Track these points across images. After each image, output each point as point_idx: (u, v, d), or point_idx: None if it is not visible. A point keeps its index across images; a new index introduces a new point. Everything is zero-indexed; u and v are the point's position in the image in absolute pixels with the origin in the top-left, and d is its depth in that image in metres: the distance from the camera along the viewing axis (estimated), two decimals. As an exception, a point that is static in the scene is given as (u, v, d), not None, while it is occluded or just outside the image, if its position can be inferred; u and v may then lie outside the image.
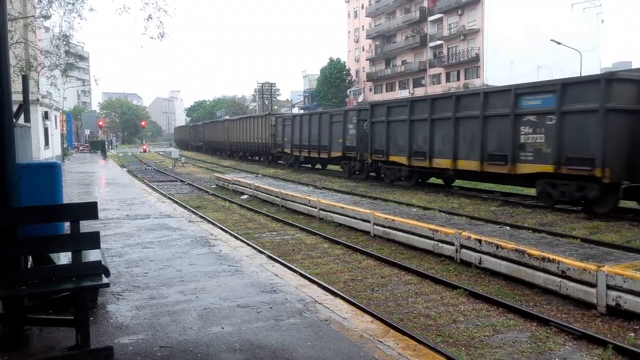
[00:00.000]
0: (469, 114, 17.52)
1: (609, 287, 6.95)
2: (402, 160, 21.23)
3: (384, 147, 22.14)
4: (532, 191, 17.01)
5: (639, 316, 6.63)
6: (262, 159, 42.22)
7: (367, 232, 12.77)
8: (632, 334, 6.38)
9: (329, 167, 32.04)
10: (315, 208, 15.38)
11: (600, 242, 10.33)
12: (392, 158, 21.83)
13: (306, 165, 33.95)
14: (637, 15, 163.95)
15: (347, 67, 78.70)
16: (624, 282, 6.76)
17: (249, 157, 45.84)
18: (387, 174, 22.71)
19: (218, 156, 54.57)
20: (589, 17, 57.20)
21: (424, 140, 19.77)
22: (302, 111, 64.05)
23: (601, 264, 7.28)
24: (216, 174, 28.38)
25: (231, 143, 48.90)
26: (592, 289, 7.17)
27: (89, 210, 4.56)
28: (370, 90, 75.18)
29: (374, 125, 23.04)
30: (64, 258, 5.33)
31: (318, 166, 33.44)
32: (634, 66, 55.76)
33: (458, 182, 21.69)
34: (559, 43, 41.19)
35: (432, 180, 22.13)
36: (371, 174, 25.18)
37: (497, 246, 8.92)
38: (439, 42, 61.67)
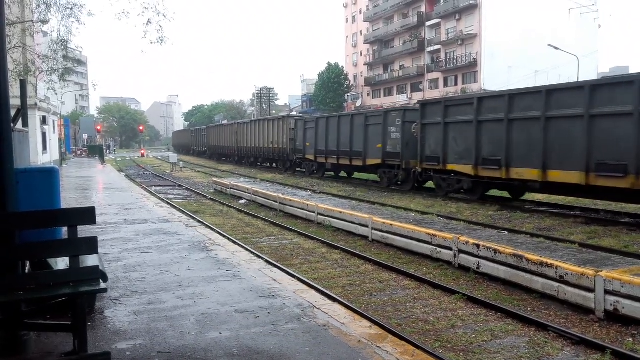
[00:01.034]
0: (567, 112, 14.27)
1: (607, 292, 6.95)
2: (465, 169, 17.95)
3: (438, 154, 19.01)
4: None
5: (637, 321, 6.63)
6: (277, 166, 38.32)
7: (365, 237, 12.76)
8: (630, 339, 6.37)
9: (361, 175, 28.42)
10: (314, 213, 15.37)
11: (598, 247, 10.34)
12: (451, 167, 18.61)
13: (330, 173, 30.31)
14: (634, 20, 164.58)
15: (345, 72, 78.80)
16: (622, 287, 6.76)
17: (260, 164, 41.99)
18: (442, 185, 19.56)
19: (224, 162, 51.52)
20: (586, 22, 57.41)
21: (497, 145, 16.55)
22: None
23: (599, 269, 7.28)
24: (214, 179, 28.38)
25: (241, 148, 44.86)
26: (590, 294, 7.17)
27: (87, 215, 4.55)
28: (369, 95, 75.29)
29: (426, 128, 19.86)
30: (61, 263, 5.32)
31: (347, 174, 29.81)
32: (631, 71, 55.99)
33: (530, 196, 18.76)
34: (556, 48, 41.32)
35: (493, 192, 18.74)
36: (417, 184, 22.14)
37: (496, 251, 8.92)
38: (436, 47, 61.82)
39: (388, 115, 22.97)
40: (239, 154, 46.18)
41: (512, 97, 16.18)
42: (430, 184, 21.49)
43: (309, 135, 30.22)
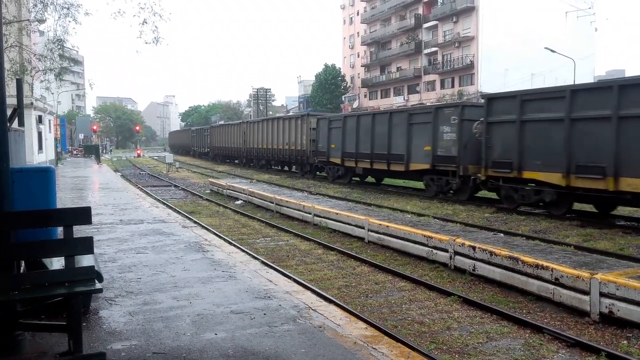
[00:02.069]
0: None
1: (602, 294, 6.97)
2: (551, 178, 14.77)
3: (511, 159, 15.95)
4: None
5: (632, 324, 6.64)
6: (292, 170, 35.28)
7: (361, 239, 12.76)
8: (625, 342, 6.39)
9: (394, 181, 25.77)
10: (310, 214, 15.37)
11: (594, 250, 10.38)
12: (529, 175, 15.58)
13: (356, 178, 27.18)
14: (630, 23, 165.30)
15: (342, 73, 78.88)
16: (617, 289, 6.78)
17: (271, 167, 38.83)
18: (514, 196, 16.26)
19: (229, 164, 48.13)
20: (583, 25, 57.63)
21: (599, 149, 13.50)
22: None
23: (594, 272, 7.30)
24: (210, 179, 28.34)
25: (249, 150, 41.44)
26: (585, 296, 7.19)
27: (83, 215, 4.54)
28: (365, 96, 75.37)
29: (493, 128, 16.77)
30: (56, 263, 5.30)
31: (388, 181, 26.28)
32: (627, 74, 56.21)
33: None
34: (552, 51, 41.47)
35: (578, 206, 16.16)
36: (474, 194, 19.00)
37: (491, 253, 8.93)
38: (433, 49, 61.93)
39: (440, 113, 19.48)
40: (247, 156, 42.86)
41: (624, 88, 13.12)
42: (485, 193, 18.85)
43: (334, 136, 26.75)
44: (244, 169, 40.35)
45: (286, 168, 37.24)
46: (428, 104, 43.71)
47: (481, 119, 17.28)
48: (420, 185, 22.53)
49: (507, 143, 16.27)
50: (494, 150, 16.78)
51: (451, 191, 19.48)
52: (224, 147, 49.47)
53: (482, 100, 17.62)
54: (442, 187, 19.69)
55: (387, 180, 26.30)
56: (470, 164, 18.05)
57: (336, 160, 26.75)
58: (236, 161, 47.90)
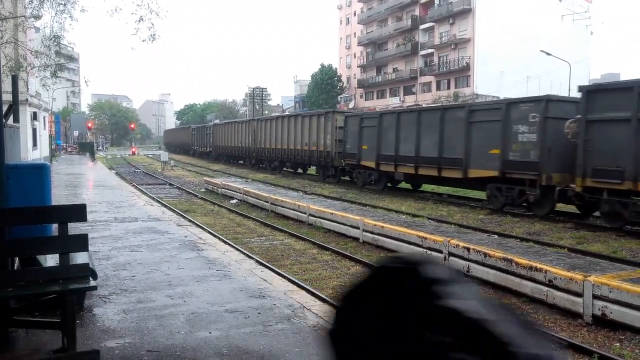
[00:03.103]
0: None
1: (595, 296, 7.00)
2: None
3: (622, 166, 12.82)
4: None
5: (625, 326, 6.68)
6: (315, 173, 31.26)
7: (356, 239, 12.77)
8: (618, 344, 6.42)
9: (437, 189, 22.65)
10: (305, 214, 15.37)
11: (587, 252, 10.41)
12: None
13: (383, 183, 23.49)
14: (626, 27, 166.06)
15: (338, 74, 78.88)
16: (610, 292, 6.82)
17: (284, 169, 35.28)
18: (624, 213, 13.13)
19: (234, 165, 45.17)
20: (579, 28, 57.86)
21: None
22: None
23: (588, 274, 7.34)
24: (205, 178, 28.30)
25: (260, 150, 37.90)
26: (578, 298, 7.22)
27: (78, 212, 4.54)
28: (361, 97, 75.40)
29: (594, 127, 13.59)
30: (51, 260, 5.29)
31: (427, 188, 23.21)
32: (622, 78, 56.47)
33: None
34: (548, 54, 41.61)
35: None
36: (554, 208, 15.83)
37: (485, 254, 8.96)
38: (430, 51, 62.00)
39: (513, 109, 16.16)
40: (257, 157, 39.27)
41: None
42: (566, 207, 16.10)
43: (367, 136, 23.37)
44: (252, 171, 37.12)
45: (300, 170, 34.23)
46: (424, 104, 43.74)
47: (576, 117, 14.08)
48: (478, 194, 19.79)
49: (616, 146, 13.09)
50: (596, 155, 13.54)
51: (525, 203, 16.07)
52: (229, 147, 46.14)
53: (580, 94, 14.34)
54: (513, 198, 16.20)
55: (426, 187, 23.35)
56: (557, 171, 14.90)
57: (369, 164, 23.32)
58: (241, 161, 45.32)
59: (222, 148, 48.62)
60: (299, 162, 32.88)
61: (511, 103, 16.58)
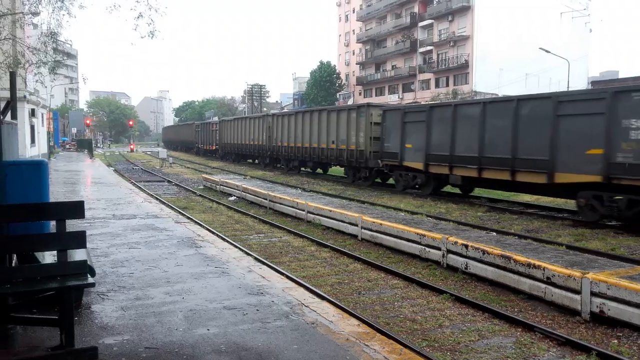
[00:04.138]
0: None
1: (593, 294, 7.02)
2: None
3: None
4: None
5: (623, 323, 6.69)
6: (346, 174, 27.25)
7: (354, 236, 12.78)
8: (616, 341, 6.44)
9: (502, 194, 19.93)
10: (303, 211, 15.37)
11: (586, 250, 10.44)
12: None
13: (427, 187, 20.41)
14: (625, 25, 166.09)
15: (337, 71, 78.83)
16: (608, 289, 6.83)
17: (302, 170, 32.38)
18: None
19: (244, 165, 41.86)
20: (578, 26, 57.87)
21: None
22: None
23: (586, 271, 7.34)
24: (204, 175, 28.27)
25: (277, 148, 34.36)
26: (576, 295, 7.23)
27: (76, 209, 4.52)
28: (360, 94, 75.37)
29: None
30: (49, 257, 5.29)
31: (463, 191, 20.35)
32: (621, 76, 56.48)
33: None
34: (547, 51, 41.62)
35: None
36: None
37: (484, 252, 8.97)
38: (428, 48, 61.99)
39: (624, 98, 13.18)
40: (271, 156, 35.78)
41: None
42: None
43: (412, 133, 20.59)
44: (266, 171, 34.45)
45: (319, 170, 31.57)
46: (422, 102, 43.70)
47: None
48: (561, 203, 17.59)
49: None
50: None
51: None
52: (239, 145, 42.50)
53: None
54: (619, 209, 13.36)
55: (479, 191, 20.43)
56: None
57: (415, 165, 20.35)
58: (250, 160, 42.69)
59: (230, 146, 45.23)
60: (323, 162, 29.57)
61: (620, 92, 13.52)
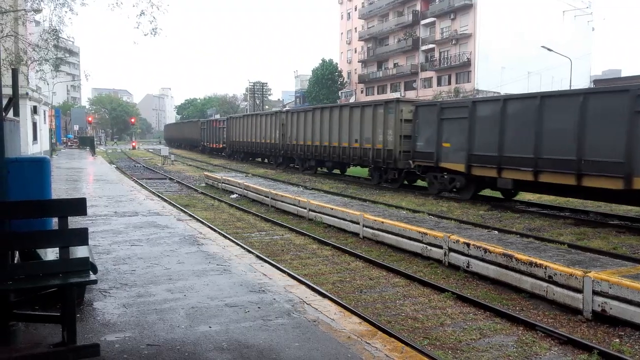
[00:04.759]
0: None
1: (595, 293, 7.01)
2: None
3: None
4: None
5: (625, 322, 6.69)
6: (371, 176, 24.93)
7: (356, 234, 12.78)
8: (617, 340, 6.43)
9: (541, 198, 18.86)
10: (305, 209, 15.37)
11: (587, 248, 10.42)
12: None
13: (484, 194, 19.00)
14: (627, 23, 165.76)
15: (339, 69, 78.78)
16: (610, 288, 6.82)
17: (319, 169, 30.48)
18: None
19: (253, 164, 39.95)
20: (580, 24, 57.76)
21: None
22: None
23: (588, 270, 7.34)
24: (206, 173, 28.29)
25: (291, 147, 32.22)
26: (578, 294, 7.23)
27: (78, 206, 4.52)
28: (362, 92, 75.33)
29: None
30: (51, 254, 5.29)
31: (504, 194, 18.73)
32: (624, 74, 56.39)
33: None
34: (549, 50, 41.53)
35: None
36: None
37: (485, 250, 8.96)
38: (431, 46, 61.94)
39: None
40: (285, 155, 33.73)
41: None
42: None
43: (450, 131, 18.62)
44: (278, 171, 32.48)
45: (336, 170, 29.76)
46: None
47: None
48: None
49: None
50: None
51: None
52: (248, 143, 40.37)
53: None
54: None
55: (522, 195, 19.17)
56: None
57: (454, 166, 18.39)
58: (258, 159, 40.86)
59: (239, 144, 42.98)
60: (344, 162, 27.60)
61: None
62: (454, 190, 18.99)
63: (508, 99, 17.06)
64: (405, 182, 22.91)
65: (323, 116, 28.28)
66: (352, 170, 29.84)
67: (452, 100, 23.34)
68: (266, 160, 39.46)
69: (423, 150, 19.96)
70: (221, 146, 49.90)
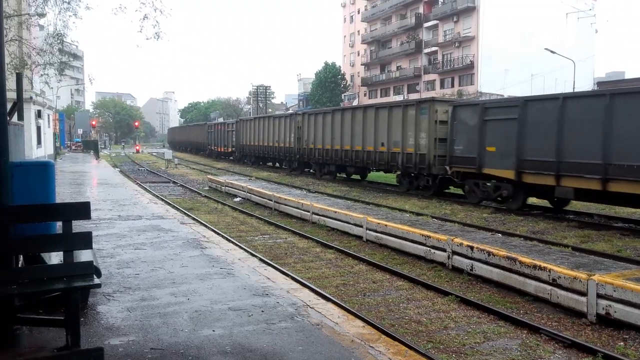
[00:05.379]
0: None
1: (599, 296, 6.99)
2: None
3: None
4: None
5: (629, 325, 6.66)
6: (399, 182, 23.00)
7: (359, 237, 12.77)
8: (622, 343, 6.41)
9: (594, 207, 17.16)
10: (308, 212, 15.37)
11: (591, 251, 10.39)
12: None
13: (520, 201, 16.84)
14: (631, 26, 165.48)
15: (342, 72, 78.88)
16: (614, 291, 6.80)
17: (337, 175, 28.58)
18: None
19: (264, 168, 37.81)
20: (583, 26, 57.69)
21: None
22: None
23: (592, 273, 7.32)
24: (209, 176, 28.31)
25: (307, 151, 30.53)
26: (582, 297, 7.20)
27: (82, 210, 4.54)
28: (365, 95, 75.37)
29: None
30: (55, 258, 5.30)
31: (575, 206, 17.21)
32: (627, 76, 56.25)
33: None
34: (552, 52, 41.50)
35: None
36: None
37: (489, 253, 8.95)
38: (434, 49, 61.95)
39: None
40: (300, 159, 31.99)
41: None
42: None
43: (495, 133, 16.88)
44: (292, 176, 31.05)
45: (355, 176, 28.12)
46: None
47: None
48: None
49: None
50: None
51: None
52: (260, 147, 38.57)
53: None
54: None
55: (574, 205, 17.31)
56: None
57: (500, 173, 16.59)
58: (269, 164, 39.37)
59: (250, 148, 41.10)
60: (368, 168, 26.02)
61: None
62: (499, 199, 17.34)
63: (568, 97, 15.30)
64: (448, 189, 21.19)
65: (344, 118, 26.40)
66: (373, 175, 28.76)
67: (498, 100, 21.54)
68: (277, 165, 38.18)
69: (462, 154, 18.21)
70: (229, 150, 48.37)
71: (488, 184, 17.42)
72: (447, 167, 19.00)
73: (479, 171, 17.44)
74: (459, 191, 19.97)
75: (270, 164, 39.45)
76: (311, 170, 31.43)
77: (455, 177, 18.76)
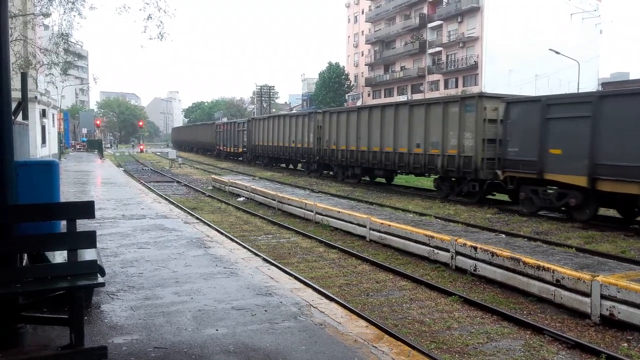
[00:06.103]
0: None
1: (603, 297, 6.97)
2: None
3: None
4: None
5: (633, 326, 6.64)
6: (437, 188, 20.98)
7: (363, 237, 12.77)
8: (626, 344, 6.39)
9: None
10: (312, 212, 15.37)
11: (595, 252, 10.37)
12: None
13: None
14: (636, 26, 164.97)
15: (346, 72, 78.86)
16: (618, 292, 6.78)
17: (361, 178, 26.34)
18: None
19: (277, 170, 36.43)
20: (588, 27, 57.51)
21: None
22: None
23: (596, 274, 7.30)
24: (213, 176, 28.34)
25: (328, 152, 28.26)
26: (586, 298, 7.19)
27: (86, 209, 4.54)
28: (369, 95, 75.32)
29: None
30: (59, 257, 5.32)
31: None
32: (632, 77, 56.08)
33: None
34: (557, 52, 41.38)
35: None
36: None
37: (493, 254, 8.93)
38: (438, 49, 61.88)
39: None
40: (320, 161, 29.68)
41: None
42: None
43: (560, 134, 14.73)
44: (311, 178, 29.77)
45: (379, 179, 25.90)
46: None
47: None
48: None
49: None
50: None
51: None
52: (274, 147, 36.49)
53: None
54: None
55: None
56: None
57: (568, 179, 14.36)
58: (283, 165, 37.83)
59: (263, 148, 38.95)
60: (390, 169, 23.71)
61: None
62: (562, 208, 15.21)
63: None
64: (496, 196, 19.00)
65: (371, 117, 24.08)
66: (400, 179, 27.26)
67: (564, 95, 18.99)
68: (290, 166, 36.79)
69: (518, 157, 15.98)
70: (240, 150, 45.94)
71: (550, 191, 15.30)
72: (499, 172, 16.91)
73: (539, 177, 15.23)
74: (505, 197, 18.32)
75: (283, 165, 37.92)
76: (331, 173, 29.34)
77: (510, 183, 16.56)
